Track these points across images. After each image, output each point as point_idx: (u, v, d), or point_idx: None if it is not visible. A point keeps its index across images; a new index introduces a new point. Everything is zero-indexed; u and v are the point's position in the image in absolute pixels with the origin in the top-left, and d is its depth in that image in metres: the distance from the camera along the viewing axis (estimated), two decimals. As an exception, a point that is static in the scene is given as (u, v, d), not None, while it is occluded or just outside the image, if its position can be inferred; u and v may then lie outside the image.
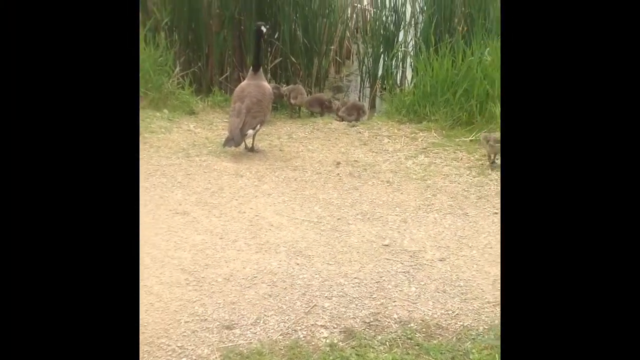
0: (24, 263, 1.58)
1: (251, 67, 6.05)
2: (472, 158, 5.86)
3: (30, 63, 1.63)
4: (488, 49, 7.00)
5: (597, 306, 1.43)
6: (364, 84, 8.63)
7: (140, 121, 5.78)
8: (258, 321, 3.49)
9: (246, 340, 3.30)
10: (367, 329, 3.46)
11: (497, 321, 3.52)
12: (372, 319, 3.55)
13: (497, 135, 5.53)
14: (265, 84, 6.06)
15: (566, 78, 1.54)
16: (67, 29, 1.67)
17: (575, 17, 1.56)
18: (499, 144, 5.43)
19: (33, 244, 1.58)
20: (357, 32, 9.79)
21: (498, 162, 5.63)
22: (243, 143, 5.77)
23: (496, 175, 5.47)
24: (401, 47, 8.37)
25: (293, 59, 8.10)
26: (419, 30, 8.30)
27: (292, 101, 6.84)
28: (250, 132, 5.73)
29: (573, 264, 1.46)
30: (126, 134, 1.69)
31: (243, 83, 6.02)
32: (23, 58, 1.62)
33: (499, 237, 4.45)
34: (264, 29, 6.23)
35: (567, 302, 1.45)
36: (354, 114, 6.94)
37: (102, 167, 1.67)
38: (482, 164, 5.70)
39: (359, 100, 8.28)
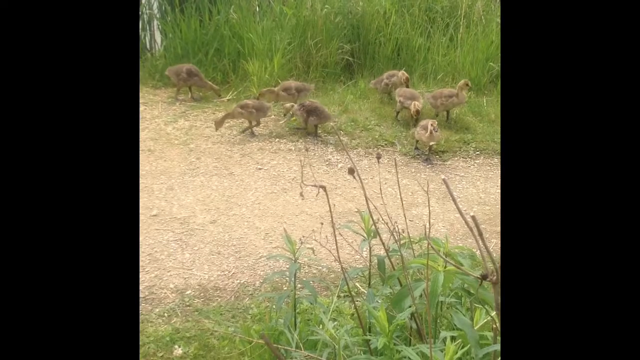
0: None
1: None
2: (232, 117, 5.87)
3: (31, 64, 1.43)
4: (233, 6, 7.01)
5: (595, 304, 1.40)
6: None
7: None
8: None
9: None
10: (143, 304, 3.36)
11: (270, 272, 3.61)
12: (147, 293, 3.45)
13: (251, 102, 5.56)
14: None
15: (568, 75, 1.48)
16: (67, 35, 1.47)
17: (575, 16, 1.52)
18: (261, 111, 5.47)
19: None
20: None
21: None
22: None
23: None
24: (146, 10, 8.06)
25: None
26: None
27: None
28: None
29: (571, 260, 1.44)
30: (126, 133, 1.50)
31: None
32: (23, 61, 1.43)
33: (265, 191, 4.56)
34: None
35: (565, 300, 1.42)
36: None
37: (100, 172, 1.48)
38: (242, 122, 5.75)
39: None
